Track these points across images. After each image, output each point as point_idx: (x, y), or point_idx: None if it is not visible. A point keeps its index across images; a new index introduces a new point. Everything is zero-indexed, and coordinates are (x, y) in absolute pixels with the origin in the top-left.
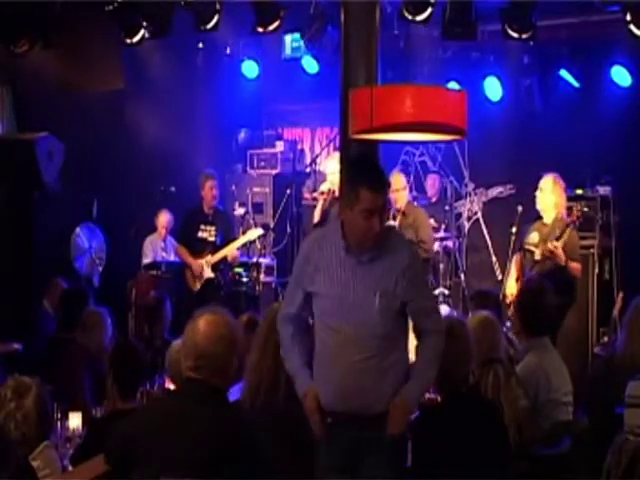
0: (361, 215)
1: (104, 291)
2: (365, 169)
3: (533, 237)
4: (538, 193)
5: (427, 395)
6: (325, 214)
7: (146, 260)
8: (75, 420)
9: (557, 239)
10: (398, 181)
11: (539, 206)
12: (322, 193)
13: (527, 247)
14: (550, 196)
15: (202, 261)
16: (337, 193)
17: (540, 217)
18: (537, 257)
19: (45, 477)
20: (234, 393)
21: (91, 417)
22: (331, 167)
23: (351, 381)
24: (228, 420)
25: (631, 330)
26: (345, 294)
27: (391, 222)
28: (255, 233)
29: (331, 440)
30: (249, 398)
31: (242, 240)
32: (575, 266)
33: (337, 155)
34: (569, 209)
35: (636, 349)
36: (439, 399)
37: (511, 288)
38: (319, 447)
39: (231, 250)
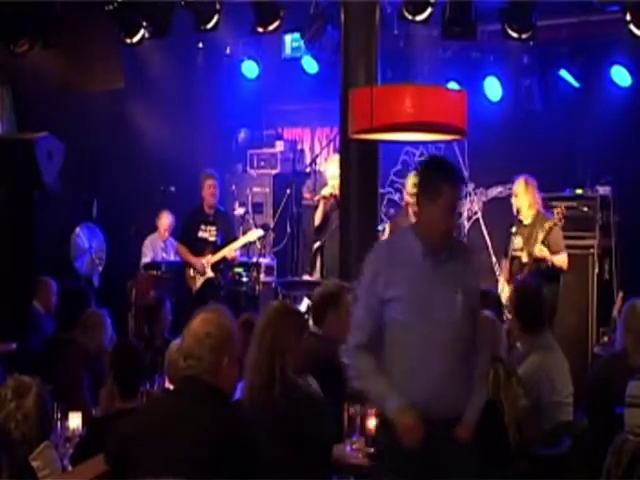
0: (444, 210)
1: (104, 291)
2: (444, 166)
3: (517, 242)
4: (513, 199)
5: None
6: (326, 218)
7: (145, 259)
8: (75, 420)
9: (542, 243)
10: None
11: (516, 212)
12: (324, 197)
13: (514, 254)
14: (524, 198)
15: (204, 259)
16: (338, 197)
17: (519, 220)
18: (524, 260)
19: (45, 477)
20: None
21: (91, 417)
22: (331, 171)
23: (438, 383)
24: (228, 419)
25: (628, 330)
26: (429, 296)
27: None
28: (255, 234)
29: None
30: (248, 397)
31: (242, 241)
32: (560, 259)
33: (337, 158)
34: (552, 207)
35: (634, 349)
36: None
37: (504, 292)
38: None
39: (231, 250)
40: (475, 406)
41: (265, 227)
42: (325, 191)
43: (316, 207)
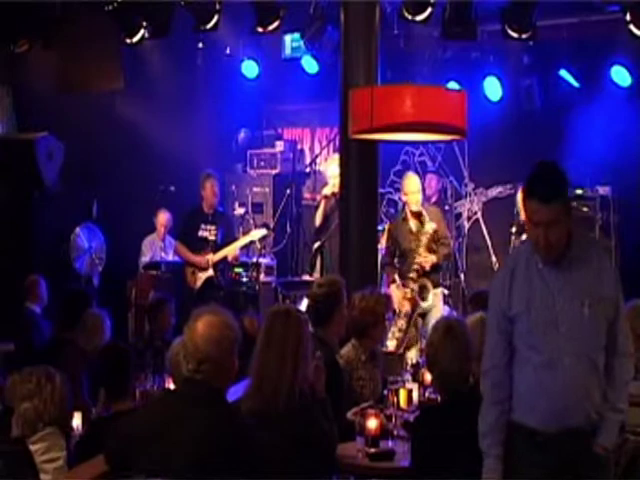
0: (529, 222)
1: (104, 291)
2: (534, 177)
3: None
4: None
5: (428, 395)
6: (326, 218)
7: (144, 259)
8: (75, 420)
9: None
10: (411, 184)
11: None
12: (325, 197)
13: None
14: None
15: (206, 257)
16: (339, 196)
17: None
18: None
19: (44, 463)
20: (234, 393)
21: (89, 418)
22: (332, 170)
23: (566, 397)
24: (227, 421)
25: (630, 330)
26: (552, 310)
27: (411, 224)
28: (259, 233)
29: (535, 463)
30: (251, 397)
31: (245, 240)
32: None
33: (337, 158)
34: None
35: (635, 349)
36: (439, 399)
37: None
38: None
39: (233, 249)
40: (611, 424)
41: (265, 227)
42: (326, 190)
43: (317, 207)
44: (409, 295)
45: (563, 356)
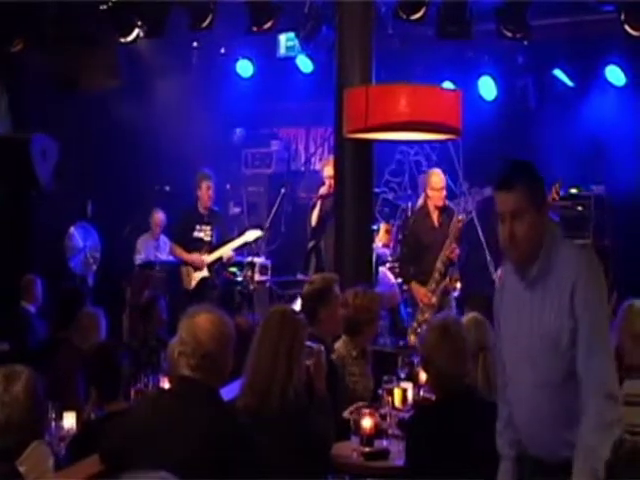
0: (497, 219)
1: (98, 290)
2: (498, 172)
3: None
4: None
5: (422, 394)
6: (322, 218)
7: (139, 258)
8: (69, 420)
9: None
10: (439, 180)
11: None
12: (322, 197)
13: None
14: None
15: (202, 256)
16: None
17: None
18: None
19: None
20: (228, 392)
21: (82, 418)
22: (329, 170)
23: (528, 423)
24: (223, 420)
25: (624, 330)
26: (512, 326)
27: (434, 218)
28: (253, 235)
29: None
30: (245, 395)
31: (240, 241)
32: None
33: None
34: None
35: (631, 349)
36: (434, 398)
37: None
38: None
39: (228, 250)
40: (581, 465)
41: (259, 229)
42: (323, 190)
43: (313, 206)
44: (434, 286)
45: (521, 380)
